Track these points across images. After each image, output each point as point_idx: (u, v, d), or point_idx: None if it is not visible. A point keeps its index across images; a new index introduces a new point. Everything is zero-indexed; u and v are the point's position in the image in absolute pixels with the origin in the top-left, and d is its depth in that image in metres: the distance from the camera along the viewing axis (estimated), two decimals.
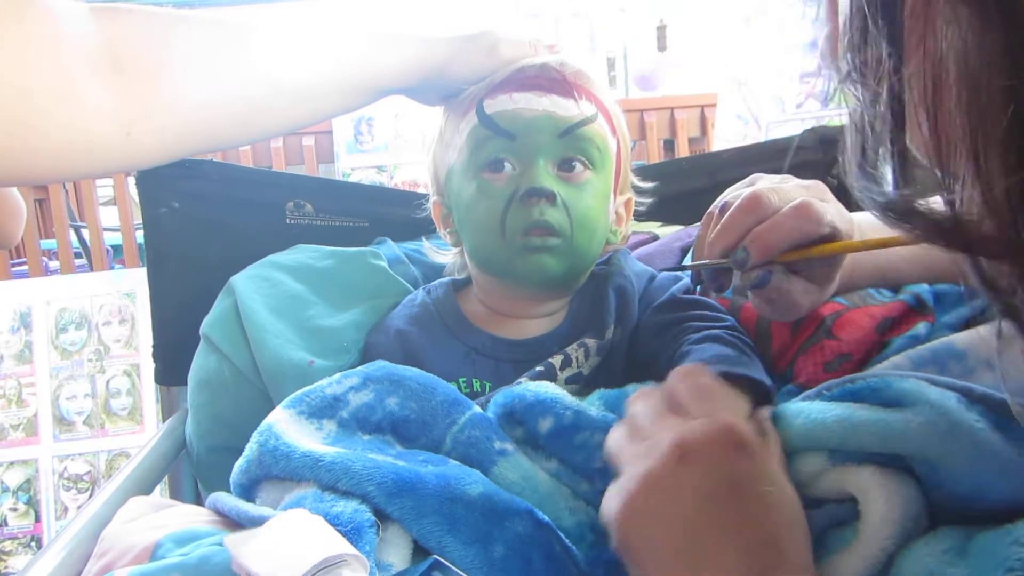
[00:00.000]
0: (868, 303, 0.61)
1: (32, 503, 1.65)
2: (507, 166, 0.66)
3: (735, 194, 0.56)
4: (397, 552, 0.45)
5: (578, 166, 0.67)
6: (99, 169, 0.57)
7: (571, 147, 0.66)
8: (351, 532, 0.43)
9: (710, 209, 0.59)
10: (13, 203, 1.10)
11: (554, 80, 0.67)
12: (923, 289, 0.61)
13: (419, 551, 0.46)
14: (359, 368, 0.56)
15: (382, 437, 0.53)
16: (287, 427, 0.51)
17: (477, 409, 0.54)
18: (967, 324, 0.57)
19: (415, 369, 0.56)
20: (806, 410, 0.45)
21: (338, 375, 0.56)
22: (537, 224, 0.64)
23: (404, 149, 1.95)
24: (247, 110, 0.63)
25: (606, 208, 0.69)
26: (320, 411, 0.53)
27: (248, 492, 0.51)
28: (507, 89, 0.67)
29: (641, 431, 0.44)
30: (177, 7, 0.60)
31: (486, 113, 0.67)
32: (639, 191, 0.77)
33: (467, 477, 0.47)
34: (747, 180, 0.58)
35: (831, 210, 0.52)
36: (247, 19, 0.64)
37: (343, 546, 0.40)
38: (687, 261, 0.72)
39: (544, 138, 0.65)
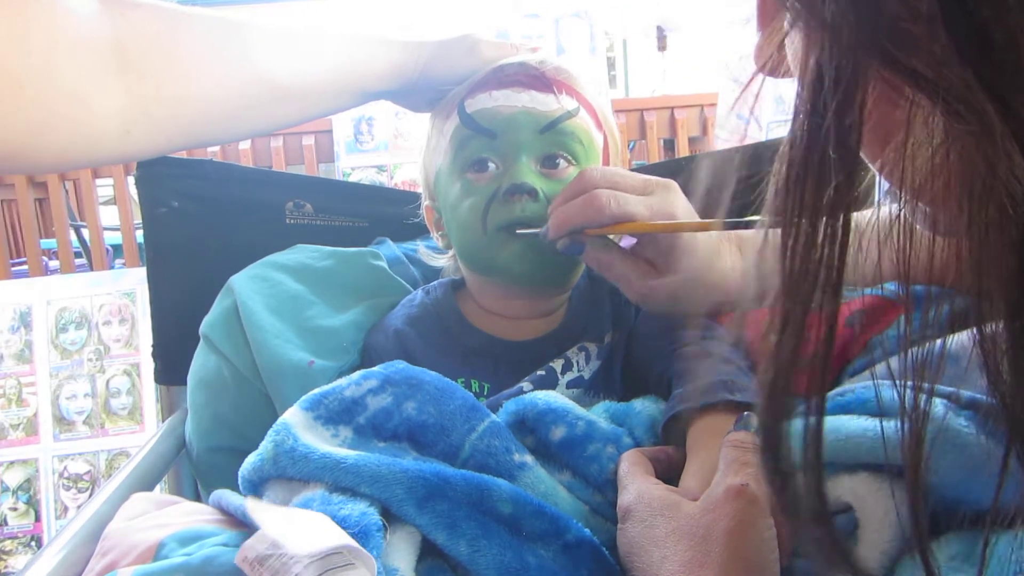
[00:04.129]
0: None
1: (32, 503, 1.65)
2: (491, 166, 0.66)
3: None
4: (403, 557, 0.44)
5: (561, 162, 0.66)
6: (92, 162, 0.58)
7: (553, 143, 0.66)
8: (358, 535, 0.43)
9: None
10: None
11: (533, 76, 0.67)
12: (894, 285, 0.61)
13: (424, 556, 0.46)
14: (378, 369, 0.56)
15: (397, 444, 0.52)
16: (303, 432, 0.50)
17: (495, 417, 0.53)
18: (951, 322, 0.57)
19: (433, 372, 0.56)
20: (798, 429, 0.46)
21: (357, 374, 0.55)
22: (519, 220, 0.63)
23: (404, 149, 1.95)
24: (240, 108, 0.63)
25: None
26: (338, 416, 0.52)
27: (255, 489, 0.51)
28: (487, 88, 0.67)
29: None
30: (179, 2, 0.60)
31: (467, 113, 0.67)
32: None
33: (495, 492, 0.47)
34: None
35: (631, 201, 0.58)
36: (244, 17, 0.64)
37: (354, 544, 0.40)
38: None
39: (525, 134, 0.65)
